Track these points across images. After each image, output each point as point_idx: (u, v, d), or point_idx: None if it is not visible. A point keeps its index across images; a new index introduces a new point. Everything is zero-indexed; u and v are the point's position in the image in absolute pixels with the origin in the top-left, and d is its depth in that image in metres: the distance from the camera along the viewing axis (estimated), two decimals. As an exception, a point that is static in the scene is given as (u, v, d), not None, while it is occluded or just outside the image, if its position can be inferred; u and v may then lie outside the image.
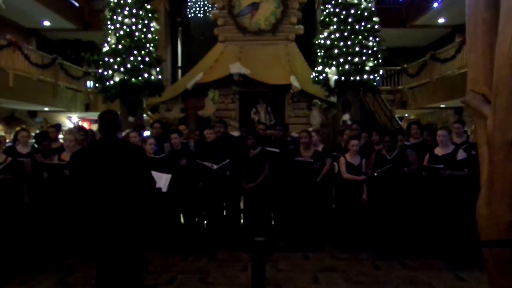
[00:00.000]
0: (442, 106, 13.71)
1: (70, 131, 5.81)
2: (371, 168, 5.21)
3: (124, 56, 8.59)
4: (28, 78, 11.00)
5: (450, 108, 13.91)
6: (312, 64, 9.91)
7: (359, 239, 5.16)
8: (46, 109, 13.09)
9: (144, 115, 10.53)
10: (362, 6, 8.36)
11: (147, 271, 4.47)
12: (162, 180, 3.91)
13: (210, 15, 11.71)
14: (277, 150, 5.65)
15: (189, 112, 10.17)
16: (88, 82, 14.34)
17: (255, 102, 10.48)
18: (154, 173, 4.04)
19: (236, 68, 9.70)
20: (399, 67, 14.89)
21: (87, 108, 13.97)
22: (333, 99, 9.39)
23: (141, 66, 8.66)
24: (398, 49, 17.20)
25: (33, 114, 13.70)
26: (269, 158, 5.29)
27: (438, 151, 4.97)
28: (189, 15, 14.13)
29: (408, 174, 4.95)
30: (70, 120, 15.11)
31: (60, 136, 6.55)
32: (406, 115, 16.81)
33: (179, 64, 14.63)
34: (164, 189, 3.85)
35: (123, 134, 7.85)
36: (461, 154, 4.83)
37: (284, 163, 5.51)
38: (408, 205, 4.92)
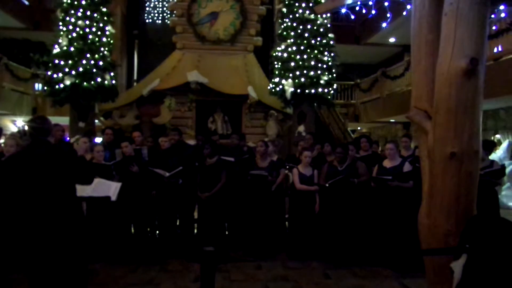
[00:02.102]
0: (391, 120, 14.41)
1: (11, 135, 5.45)
2: (324, 179, 5.34)
3: (76, 59, 8.25)
4: (-32, 78, 10.27)
5: (399, 123, 14.65)
6: (270, 75, 10.06)
7: (311, 248, 5.25)
8: (-11, 112, 12.26)
9: (96, 120, 10.15)
10: (318, 22, 8.64)
11: (93, 283, 4.27)
12: (112, 188, 3.77)
13: (168, 22, 11.56)
14: (231, 159, 5.65)
15: (143, 119, 9.92)
16: (36, 85, 13.57)
17: (212, 111, 10.43)
18: (103, 181, 3.93)
19: (193, 76, 9.63)
20: (352, 82, 15.49)
21: (34, 111, 13.17)
22: (289, 110, 9.57)
23: (94, 70, 8.35)
24: (352, 65, 17.92)
25: (-26, 117, 12.77)
26: (225, 167, 5.27)
27: (386, 163, 5.21)
28: (147, 21, 13.88)
29: (358, 185, 5.13)
30: (14, 124, 14.21)
31: (1, 141, 6.15)
32: (359, 128, 17.48)
33: (135, 70, 14.28)
34: (114, 198, 3.71)
35: (73, 139, 7.53)
36: (407, 167, 5.08)
37: (239, 172, 5.52)
38: (357, 215, 5.10)
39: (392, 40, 15.53)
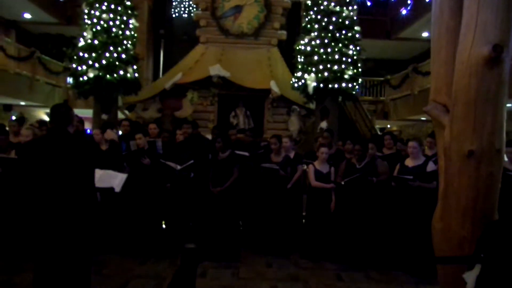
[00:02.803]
0: (422, 118, 13.82)
1: (29, 125, 5.55)
2: (341, 177, 5.10)
3: (99, 52, 8.37)
4: (4, 70, 10.65)
5: (431, 121, 14.00)
6: (293, 70, 9.84)
7: (325, 248, 5.04)
8: (23, 103, 12.70)
9: (120, 113, 10.29)
10: (344, 14, 8.33)
11: (101, 274, 4.27)
12: (117, 179, 3.72)
13: (193, 15, 11.55)
14: (246, 153, 5.51)
15: (166, 112, 9.96)
16: (68, 78, 13.97)
17: (234, 106, 10.35)
18: (109, 172, 3.88)
19: (216, 70, 9.56)
20: (382, 78, 14.99)
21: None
22: (312, 106, 9.32)
23: (117, 63, 8.43)
24: (382, 61, 17.36)
25: (8, 108, 13.27)
26: (238, 162, 5.14)
27: (409, 162, 4.91)
28: (173, 15, 13.94)
29: (376, 184, 4.86)
30: (48, 116, 14.70)
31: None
32: (388, 126, 16.92)
33: (161, 64, 14.40)
34: (118, 189, 3.66)
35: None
36: (430, 166, 4.76)
37: (254, 167, 5.38)
38: (375, 215, 4.83)
39: (425, 34, 14.87)
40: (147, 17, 13.09)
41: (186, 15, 13.84)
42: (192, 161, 4.96)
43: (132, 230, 5.03)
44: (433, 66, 2.83)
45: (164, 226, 5.49)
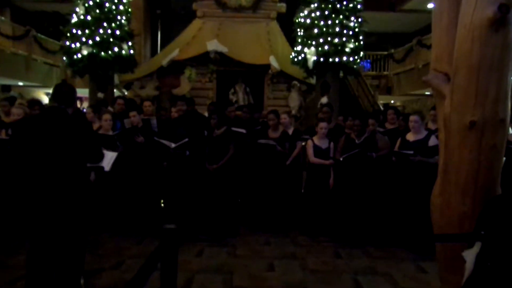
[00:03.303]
0: (427, 93, 13.55)
1: (19, 104, 5.41)
2: (340, 152, 4.97)
3: (92, 28, 8.13)
4: (0, 50, 10.45)
5: (434, 96, 13.74)
6: (293, 44, 9.56)
7: (323, 225, 4.96)
8: (21, 83, 12.55)
9: (116, 91, 10.12)
10: (344, -16, 7.99)
11: (97, 254, 4.23)
12: (106, 158, 3.60)
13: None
14: (243, 130, 5.37)
15: (163, 90, 9.78)
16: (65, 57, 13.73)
17: (233, 82, 10.14)
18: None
19: (213, 45, 9.30)
20: (385, 52, 14.63)
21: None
22: (313, 81, 9.09)
23: (111, 40, 8.20)
24: (386, 34, 16.91)
25: (6, 89, 13.12)
26: (234, 139, 5.00)
27: (410, 136, 4.76)
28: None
29: (376, 160, 4.73)
30: (48, 96, 14.55)
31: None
32: (392, 101, 16.64)
33: (159, 40, 14.09)
34: (107, 168, 3.55)
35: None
36: (432, 141, 4.60)
37: (251, 144, 5.25)
38: (374, 191, 4.72)
39: (430, 6, 14.36)
40: (143, -9, 12.71)
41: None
42: (187, 139, 4.83)
43: (128, 209, 4.96)
44: (434, 32, 2.64)
45: (162, 204, 5.42)
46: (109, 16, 8.28)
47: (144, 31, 13.04)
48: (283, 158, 5.15)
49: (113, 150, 4.83)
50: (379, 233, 4.66)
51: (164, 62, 9.65)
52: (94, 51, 8.13)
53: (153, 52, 14.19)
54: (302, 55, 8.28)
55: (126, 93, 10.59)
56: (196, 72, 9.99)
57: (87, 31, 8.14)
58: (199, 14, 10.40)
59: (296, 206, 5.32)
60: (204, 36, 9.95)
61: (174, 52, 9.70)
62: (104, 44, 8.16)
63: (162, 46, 13.54)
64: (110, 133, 5.05)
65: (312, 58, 8.02)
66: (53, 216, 2.93)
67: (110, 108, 6.54)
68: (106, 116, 5.13)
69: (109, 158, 3.65)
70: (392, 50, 14.39)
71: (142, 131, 5.14)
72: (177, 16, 13.12)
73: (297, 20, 8.56)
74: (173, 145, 4.83)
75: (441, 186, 2.30)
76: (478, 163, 2.10)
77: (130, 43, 8.68)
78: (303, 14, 8.37)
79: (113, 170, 4.57)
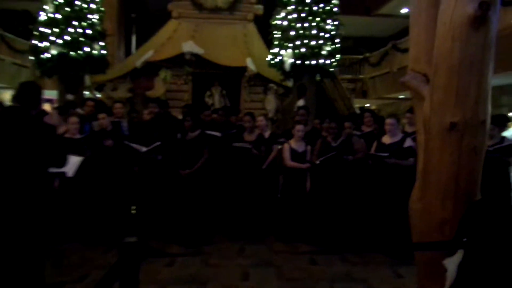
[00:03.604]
0: (401, 97, 13.75)
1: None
2: (316, 156, 4.88)
3: (62, 27, 7.77)
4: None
5: (409, 99, 13.95)
6: (270, 46, 9.47)
7: (300, 230, 4.85)
8: (-13, 85, 11.96)
9: (87, 93, 9.75)
10: (321, -13, 7.96)
11: (61, 266, 3.96)
12: (70, 163, 3.37)
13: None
14: (218, 133, 5.20)
15: (137, 92, 9.49)
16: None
17: (209, 85, 9.94)
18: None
19: (188, 46, 9.09)
20: (361, 56, 14.79)
21: (33, 84, 12.84)
22: (290, 83, 9.01)
23: (82, 39, 7.87)
24: (362, 38, 17.11)
25: (-26, 90, 12.48)
26: (208, 143, 4.83)
27: (386, 139, 4.72)
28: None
29: (352, 163, 4.65)
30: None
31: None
32: (367, 105, 16.82)
33: (134, 41, 13.72)
34: (70, 174, 3.32)
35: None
36: (408, 142, 4.58)
37: (226, 148, 5.08)
38: (351, 195, 4.64)
39: (404, 10, 14.64)
40: (116, -10, 12.35)
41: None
42: (159, 143, 4.63)
43: (96, 217, 4.70)
44: (412, 31, 2.57)
45: (133, 211, 5.18)
46: (80, 15, 7.93)
47: (118, 32, 12.67)
48: (258, 162, 5.02)
49: (80, 154, 4.61)
50: (356, 238, 4.59)
51: (138, 63, 9.36)
52: (64, 50, 7.77)
53: (127, 53, 13.80)
54: (279, 58, 8.19)
55: (98, 95, 10.23)
56: (171, 74, 9.73)
57: (56, 29, 7.77)
58: (175, 15, 10.17)
59: (272, 211, 5.19)
60: (179, 37, 9.73)
61: (148, 53, 9.43)
62: (74, 44, 7.80)
63: (137, 47, 13.20)
64: (77, 136, 4.79)
65: (288, 60, 7.94)
66: (8, 224, 2.69)
67: (79, 110, 6.25)
68: (73, 119, 4.86)
69: (72, 163, 3.42)
70: (368, 54, 14.56)
71: (111, 134, 4.90)
72: (153, 17, 12.80)
73: (274, 22, 8.47)
74: (143, 149, 4.62)
75: (420, 190, 2.21)
76: (458, 166, 2.02)
77: (102, 43, 8.35)
78: (280, 16, 8.29)
79: (80, 176, 4.36)
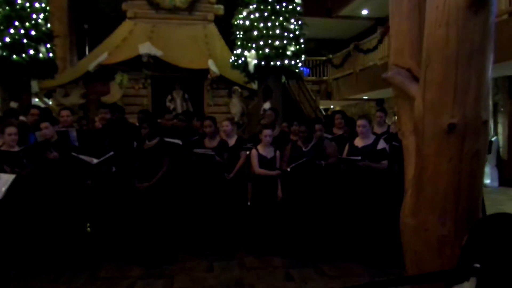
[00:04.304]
0: (364, 97, 13.84)
1: None
2: (286, 162, 4.55)
3: (1, 27, 7.03)
4: None
5: (373, 100, 14.09)
6: (233, 48, 9.11)
7: (272, 242, 4.49)
8: None
9: (37, 100, 8.97)
10: (283, -15, 7.70)
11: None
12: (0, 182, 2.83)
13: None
14: (178, 141, 4.75)
15: (91, 97, 8.82)
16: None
17: (170, 89, 9.44)
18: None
19: (145, 48, 8.56)
20: (324, 58, 14.77)
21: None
22: (254, 86, 8.68)
23: (25, 41, 7.15)
24: (324, 40, 17.17)
25: None
26: (168, 152, 4.36)
27: (358, 142, 4.46)
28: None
29: (325, 168, 4.36)
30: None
31: None
32: (332, 106, 16.86)
33: (87, 43, 12.92)
34: (0, 195, 2.78)
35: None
36: (381, 145, 4.34)
37: (187, 156, 4.64)
38: (325, 203, 4.34)
39: (364, 12, 14.77)
40: (66, -9, 11.55)
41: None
42: (111, 153, 4.12)
43: (40, 240, 4.12)
44: (392, 21, 2.27)
45: (88, 229, 4.64)
46: (22, 14, 7.22)
47: (69, 34, 11.86)
48: (222, 170, 4.62)
49: (19, 168, 4.04)
50: (331, 248, 4.29)
51: (91, 67, 8.70)
52: (4, 53, 7.03)
53: (81, 57, 13.00)
54: (242, 59, 7.84)
55: (49, 102, 9.44)
56: (128, 77, 9.14)
57: (-6, 30, 7.02)
58: (130, 15, 9.59)
59: (241, 223, 4.80)
60: (135, 38, 9.15)
61: (102, 56, 8.79)
62: (16, 46, 7.08)
63: (90, 49, 12.43)
64: (15, 149, 4.18)
65: (252, 61, 7.61)
66: None
67: (23, 119, 5.59)
68: (10, 130, 4.22)
69: (2, 182, 2.88)
70: (331, 56, 14.57)
71: (56, 145, 4.32)
72: (107, 18, 12.10)
73: (235, 22, 8.11)
74: (94, 160, 4.09)
75: (414, 204, 1.90)
76: (458, 174, 1.73)
77: (48, 45, 7.65)
78: (241, 16, 7.95)
79: (17, 195, 3.80)
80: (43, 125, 4.37)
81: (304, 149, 4.46)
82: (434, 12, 1.75)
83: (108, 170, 4.28)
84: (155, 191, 4.19)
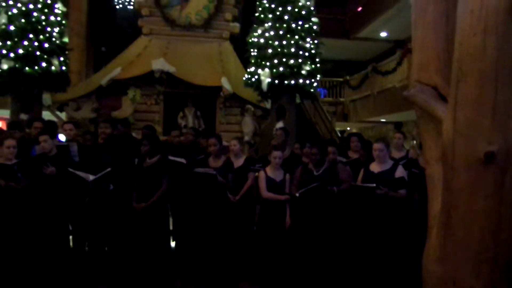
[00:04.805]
0: (382, 120, 13.49)
1: None
2: (296, 186, 4.22)
3: (16, 39, 7.03)
4: None
5: (390, 123, 13.70)
6: (247, 66, 8.96)
7: (277, 273, 4.12)
8: None
9: (48, 112, 8.92)
10: (300, 3, 7.52)
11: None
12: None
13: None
14: (183, 160, 4.50)
15: (102, 112, 8.72)
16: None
17: (182, 105, 9.29)
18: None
19: (159, 64, 8.46)
20: (341, 79, 14.55)
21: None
22: (268, 105, 8.45)
23: (38, 53, 7.13)
24: (342, 62, 17.02)
25: None
26: (169, 171, 4.10)
27: (374, 167, 4.12)
28: (117, 6, 12.66)
29: (338, 195, 4.01)
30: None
31: None
32: (348, 128, 16.51)
33: (103, 49, 13.00)
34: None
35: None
36: (400, 171, 3.99)
37: (189, 176, 4.37)
38: (336, 233, 3.98)
39: (383, 34, 14.56)
40: (85, 6, 11.70)
41: (131, 7, 12.58)
42: (108, 169, 3.88)
43: (29, 259, 3.87)
44: (415, 33, 1.99)
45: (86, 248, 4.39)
46: (37, 27, 7.22)
47: (87, 48, 11.96)
48: (225, 191, 4.33)
49: (14, 182, 3.85)
50: (340, 285, 3.90)
51: (104, 81, 8.64)
52: (17, 65, 7.00)
53: (96, 70, 13.10)
54: (256, 77, 7.63)
55: (61, 115, 9.40)
56: (140, 93, 9.05)
57: (8, 42, 7.02)
58: (145, 31, 9.58)
59: (245, 251, 4.46)
60: (150, 54, 9.10)
61: (115, 71, 8.73)
62: (29, 58, 7.06)
63: (107, 64, 12.50)
64: (13, 161, 4.00)
65: (266, 80, 7.39)
66: None
67: (28, 131, 5.46)
68: (9, 142, 4.05)
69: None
70: (348, 77, 14.33)
71: (55, 160, 4.13)
72: (124, 34, 12.19)
73: (250, 40, 7.95)
74: (91, 177, 3.86)
75: (441, 248, 1.56)
76: (498, 214, 1.39)
77: (62, 58, 7.62)
78: (256, 34, 7.79)
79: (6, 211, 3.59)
80: (41, 138, 4.19)
81: (315, 173, 4.14)
82: (468, 17, 1.46)
83: (106, 187, 4.03)
84: (153, 212, 3.91)
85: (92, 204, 4.25)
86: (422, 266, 1.70)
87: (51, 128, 5.13)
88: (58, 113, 9.46)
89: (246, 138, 8.57)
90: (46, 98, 8.54)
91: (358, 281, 3.88)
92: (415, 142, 11.14)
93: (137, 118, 9.02)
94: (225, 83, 8.67)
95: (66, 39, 7.82)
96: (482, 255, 1.42)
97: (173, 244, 4.89)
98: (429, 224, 1.76)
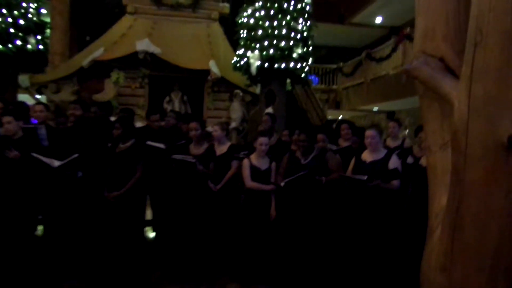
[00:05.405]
0: (374, 109, 13.25)
1: None
2: (283, 174, 3.93)
3: (-13, 15, 6.61)
4: None
5: (383, 112, 13.48)
6: (236, 48, 8.56)
7: (260, 268, 3.85)
8: None
9: (27, 95, 8.48)
10: (292, -18, 7.12)
11: None
12: None
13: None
14: (162, 145, 4.17)
15: (82, 95, 8.29)
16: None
17: (169, 89, 8.89)
18: None
19: (143, 45, 8.02)
20: (334, 66, 14.23)
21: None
22: (257, 90, 8.09)
23: (12, 31, 6.70)
24: (335, 48, 16.69)
25: None
26: (144, 156, 3.78)
27: (366, 156, 3.83)
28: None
29: (326, 185, 3.72)
30: None
31: None
32: (340, 116, 16.26)
33: (88, 38, 12.43)
34: None
35: None
36: (394, 162, 3.71)
37: (169, 163, 4.05)
38: (322, 226, 3.70)
39: (378, 20, 14.20)
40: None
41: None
42: (76, 155, 3.54)
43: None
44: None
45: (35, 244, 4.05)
46: (11, 2, 6.78)
47: (70, 29, 11.41)
48: (206, 180, 4.01)
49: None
50: (330, 278, 3.65)
51: (85, 62, 8.19)
52: (-11, 43, 6.59)
53: (80, 50, 12.57)
54: (245, 60, 7.25)
55: (40, 97, 8.96)
56: (124, 76, 8.60)
57: (-21, 18, 6.59)
58: (130, 10, 9.10)
59: (227, 244, 4.17)
60: (134, 35, 8.63)
61: (97, 51, 8.28)
62: (2, 35, 6.64)
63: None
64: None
65: (255, 63, 7.01)
66: None
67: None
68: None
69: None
70: (341, 64, 14.01)
71: (20, 143, 3.77)
72: (110, 14, 11.64)
73: (239, 20, 7.55)
74: (56, 163, 3.52)
75: (446, 253, 1.26)
76: (521, 216, 1.10)
77: (39, 37, 7.19)
78: (246, 14, 7.37)
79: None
80: (5, 119, 3.82)
81: (302, 161, 3.84)
82: (491, -37, 1.13)
83: (73, 175, 3.70)
84: (126, 202, 3.59)
85: (58, 192, 3.92)
86: (421, 274, 1.41)
87: (20, 110, 4.75)
88: (37, 96, 9.02)
89: (234, 124, 8.22)
90: (24, 79, 8.09)
91: (346, 277, 3.62)
92: (407, 131, 10.92)
93: (120, 102, 8.59)
94: (213, 67, 8.28)
95: (47, 18, 7.39)
96: (499, 263, 1.13)
97: (152, 235, 4.61)
98: (430, 224, 1.47)
